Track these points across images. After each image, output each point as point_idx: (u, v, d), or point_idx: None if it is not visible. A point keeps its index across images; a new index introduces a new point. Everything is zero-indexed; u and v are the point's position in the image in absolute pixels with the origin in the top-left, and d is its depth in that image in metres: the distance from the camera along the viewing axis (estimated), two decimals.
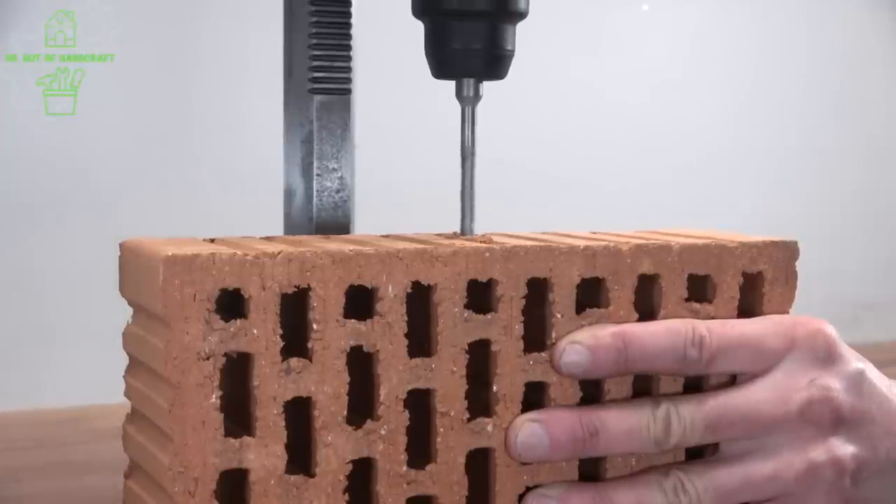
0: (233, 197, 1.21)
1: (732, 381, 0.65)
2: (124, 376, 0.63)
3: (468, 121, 0.66)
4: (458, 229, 0.67)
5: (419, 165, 1.22)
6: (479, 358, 0.60)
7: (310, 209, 0.75)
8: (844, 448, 0.64)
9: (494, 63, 0.65)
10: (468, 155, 0.66)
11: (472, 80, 0.66)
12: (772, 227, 0.74)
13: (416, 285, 0.59)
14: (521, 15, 0.65)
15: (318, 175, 0.75)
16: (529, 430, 0.61)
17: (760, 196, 1.54)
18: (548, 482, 0.62)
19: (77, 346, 1.16)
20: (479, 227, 0.67)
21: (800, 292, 0.68)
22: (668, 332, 0.63)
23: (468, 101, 0.66)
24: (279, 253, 0.56)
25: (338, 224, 0.75)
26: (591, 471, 0.63)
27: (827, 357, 0.65)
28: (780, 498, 0.64)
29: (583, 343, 0.61)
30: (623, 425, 0.61)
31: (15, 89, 1.13)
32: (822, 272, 1.49)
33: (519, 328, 0.61)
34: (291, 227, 0.77)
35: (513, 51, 0.65)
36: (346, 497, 0.58)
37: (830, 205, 1.57)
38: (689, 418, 0.62)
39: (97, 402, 1.01)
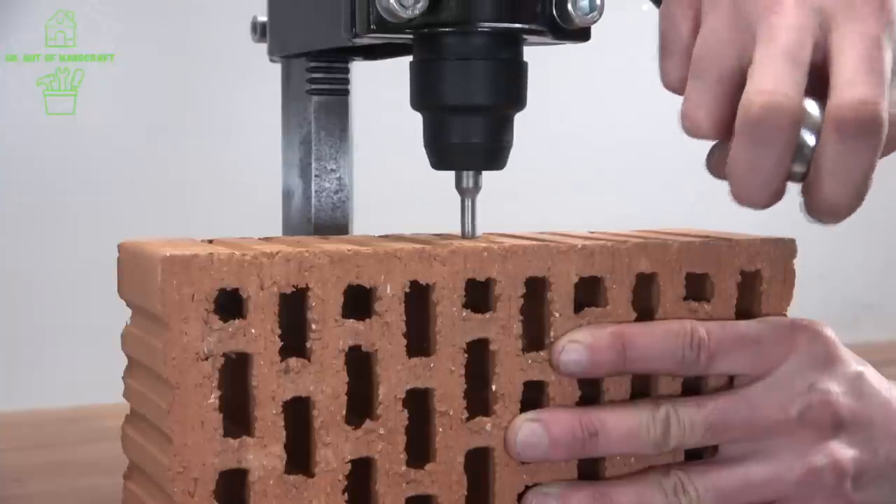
0: (232, 198, 1.21)
1: (731, 380, 0.65)
2: (123, 378, 0.64)
3: (468, 212, 0.66)
4: (456, 229, 0.67)
5: (418, 166, 1.21)
6: (478, 357, 0.61)
7: (308, 210, 0.75)
8: (844, 451, 0.64)
9: (494, 156, 0.65)
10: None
11: (471, 172, 0.65)
12: (772, 226, 0.74)
13: (415, 285, 0.59)
14: (520, 107, 0.65)
15: (316, 176, 0.75)
16: (529, 429, 0.61)
17: None
18: (547, 481, 0.62)
19: (77, 346, 1.16)
20: (480, 228, 0.67)
21: (800, 292, 0.68)
22: (667, 333, 0.63)
23: (468, 193, 0.66)
24: (277, 253, 0.56)
25: (336, 225, 0.75)
26: (590, 470, 0.63)
27: (826, 360, 0.65)
28: (781, 501, 0.64)
29: (581, 342, 0.61)
30: (623, 427, 0.61)
31: (15, 89, 1.13)
32: (822, 272, 1.49)
33: (517, 327, 0.61)
34: (290, 227, 0.77)
35: (511, 141, 0.65)
36: (346, 497, 0.58)
37: None
38: (688, 421, 0.62)
39: (97, 402, 1.01)
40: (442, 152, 0.65)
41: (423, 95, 0.65)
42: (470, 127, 0.64)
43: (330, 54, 0.73)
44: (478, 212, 0.66)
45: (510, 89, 0.64)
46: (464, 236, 0.66)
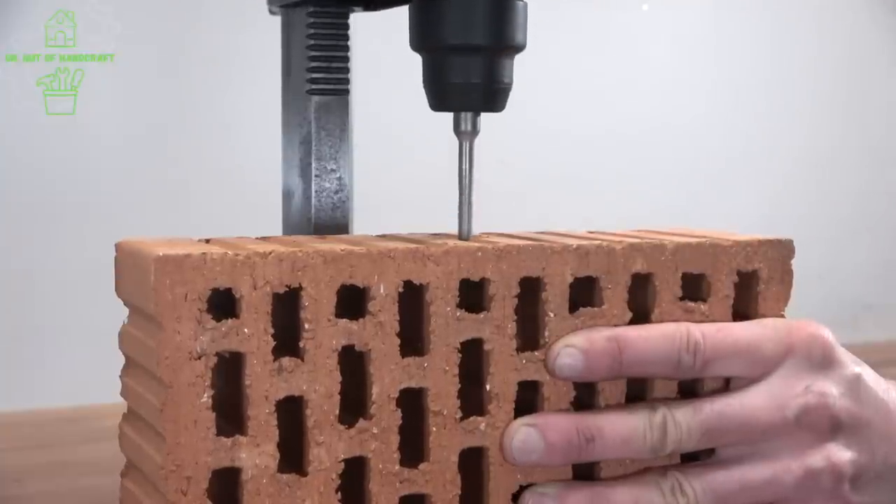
0: (232, 197, 1.21)
1: (727, 381, 0.65)
2: (120, 376, 0.64)
3: (466, 155, 0.66)
4: (455, 230, 0.67)
5: (418, 166, 1.22)
6: (472, 357, 0.61)
7: (308, 210, 0.75)
8: (842, 454, 0.64)
9: (493, 97, 0.65)
10: (466, 193, 0.66)
11: (469, 114, 0.65)
12: (772, 227, 0.74)
13: (409, 285, 0.59)
14: (519, 48, 0.65)
15: (316, 176, 0.75)
16: (525, 434, 0.61)
17: (760, 196, 1.54)
18: (542, 481, 0.62)
19: (77, 346, 1.16)
20: (479, 227, 0.67)
21: (798, 292, 0.68)
22: (663, 337, 0.62)
23: (466, 136, 0.66)
24: (270, 253, 0.56)
25: (336, 225, 0.75)
26: (585, 470, 0.63)
27: (823, 362, 0.65)
28: (779, 502, 0.64)
29: (577, 346, 0.61)
30: (620, 432, 0.61)
31: (15, 89, 1.13)
32: (822, 272, 1.49)
33: (512, 327, 0.61)
34: (290, 227, 0.77)
35: (510, 83, 0.65)
36: (339, 496, 0.58)
37: (830, 205, 1.56)
38: (685, 425, 0.62)
39: (97, 402, 1.01)
40: (441, 93, 0.65)
41: (423, 36, 0.65)
42: (469, 67, 0.64)
43: (330, 2, 0.73)
44: (475, 156, 0.66)
45: (510, 29, 0.64)
46: (461, 181, 0.66)
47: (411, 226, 0.73)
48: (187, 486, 0.55)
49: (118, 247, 0.62)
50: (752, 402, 0.63)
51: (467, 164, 0.66)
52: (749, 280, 0.67)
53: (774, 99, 1.55)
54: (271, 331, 0.56)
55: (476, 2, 0.63)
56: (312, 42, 0.73)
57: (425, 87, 0.66)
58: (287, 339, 0.57)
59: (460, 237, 0.66)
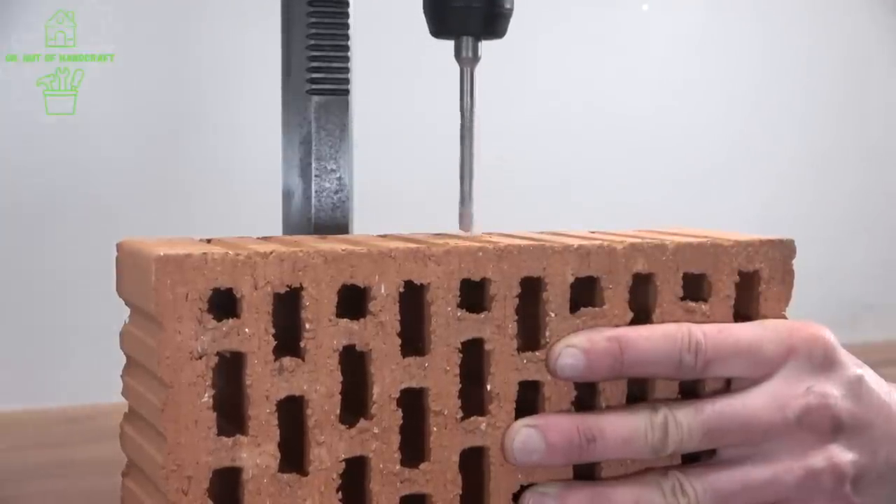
0: (232, 197, 1.21)
1: (728, 383, 0.65)
2: (122, 376, 0.64)
3: (467, 83, 0.66)
4: (456, 229, 0.67)
5: (418, 166, 1.22)
6: (473, 357, 0.61)
7: (308, 210, 0.75)
8: (844, 455, 0.64)
9: (494, 21, 0.65)
10: (467, 120, 0.66)
11: (470, 40, 0.65)
12: (772, 227, 0.74)
13: (409, 284, 0.59)
14: None
15: (316, 176, 0.75)
16: (526, 435, 0.61)
17: (760, 196, 1.54)
18: (543, 481, 0.62)
19: (77, 346, 1.16)
20: (479, 227, 0.67)
21: (799, 293, 0.68)
22: (665, 337, 0.62)
23: (467, 62, 0.66)
24: (271, 252, 0.56)
25: (336, 225, 0.75)
26: (586, 470, 0.63)
27: (825, 363, 0.65)
28: (781, 503, 0.64)
29: (578, 347, 0.61)
30: (621, 432, 0.61)
31: (15, 89, 1.13)
32: (822, 272, 1.49)
33: (512, 327, 0.61)
34: (290, 227, 0.77)
35: (511, 9, 0.65)
36: (340, 495, 0.58)
37: (830, 205, 1.56)
38: (686, 425, 0.62)
39: (98, 402, 1.01)
40: (442, 17, 0.65)
41: None
42: None
43: None
44: (476, 85, 0.66)
45: None
46: (462, 109, 0.65)
47: (411, 226, 0.73)
48: (188, 485, 0.55)
49: (119, 247, 0.62)
50: (754, 402, 0.63)
51: (468, 94, 0.66)
52: (750, 280, 0.67)
53: (774, 99, 1.55)
54: (272, 331, 0.56)
55: None
56: (312, 42, 0.73)
57: (426, 12, 0.66)
58: (288, 339, 0.57)
59: (461, 161, 0.65)
